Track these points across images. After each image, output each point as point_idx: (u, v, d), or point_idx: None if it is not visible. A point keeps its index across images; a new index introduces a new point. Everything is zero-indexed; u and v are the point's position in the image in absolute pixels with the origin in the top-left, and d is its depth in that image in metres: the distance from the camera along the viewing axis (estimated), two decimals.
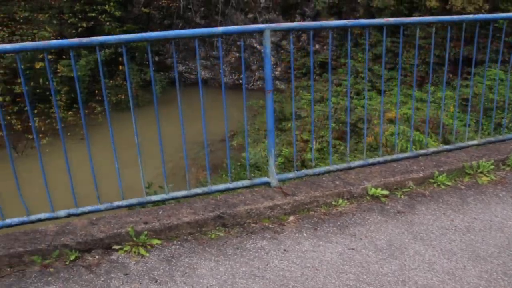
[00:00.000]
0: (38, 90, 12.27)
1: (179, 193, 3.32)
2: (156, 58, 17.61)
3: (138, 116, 12.83)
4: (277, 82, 16.55)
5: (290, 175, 3.56)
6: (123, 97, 13.62)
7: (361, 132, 10.13)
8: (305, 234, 2.99)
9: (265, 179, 3.46)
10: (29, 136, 11.13)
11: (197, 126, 12.85)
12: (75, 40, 2.87)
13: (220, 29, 3.01)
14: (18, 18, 12.40)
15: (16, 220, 2.96)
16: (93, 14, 13.85)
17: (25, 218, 2.97)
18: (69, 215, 3.05)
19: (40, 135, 11.32)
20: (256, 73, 16.88)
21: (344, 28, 13.79)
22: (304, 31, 15.26)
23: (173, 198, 3.28)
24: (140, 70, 15.39)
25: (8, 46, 2.74)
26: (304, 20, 15.15)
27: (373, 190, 3.39)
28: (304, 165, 9.19)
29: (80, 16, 14.13)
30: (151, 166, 10.27)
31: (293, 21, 15.30)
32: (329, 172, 3.64)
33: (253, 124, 12.28)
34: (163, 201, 3.30)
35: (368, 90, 11.86)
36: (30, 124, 10.72)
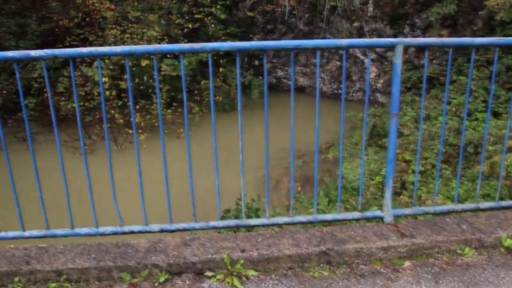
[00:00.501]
0: (141, 87, 12.73)
1: (280, 219, 3.01)
2: (256, 62, 17.65)
3: (234, 119, 12.79)
4: (377, 94, 15.83)
5: (407, 211, 3.11)
6: (220, 98, 13.71)
7: (471, 158, 9.23)
8: (424, 287, 2.54)
9: (377, 212, 3.05)
10: (129, 130, 11.54)
11: (293, 133, 12.49)
12: (187, 46, 2.67)
13: (344, 41, 2.66)
14: (130, 17, 12.96)
15: (109, 229, 2.84)
16: (200, 16, 14.12)
17: (118, 229, 2.84)
18: (162, 231, 2.87)
19: (139, 131, 11.70)
20: (357, 84, 16.27)
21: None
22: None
23: (273, 224, 2.98)
24: (241, 74, 15.46)
25: (118, 49, 2.61)
26: (413, 31, 14.30)
27: (509, 241, 2.84)
28: (404, 187, 8.53)
29: (187, 17, 14.48)
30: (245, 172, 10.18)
31: (402, 32, 14.51)
32: (453, 212, 3.14)
33: (350, 137, 11.74)
34: (262, 226, 3.01)
35: (481, 111, 10.84)
36: (131, 119, 11.08)
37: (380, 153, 10.13)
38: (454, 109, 11.00)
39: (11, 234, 2.84)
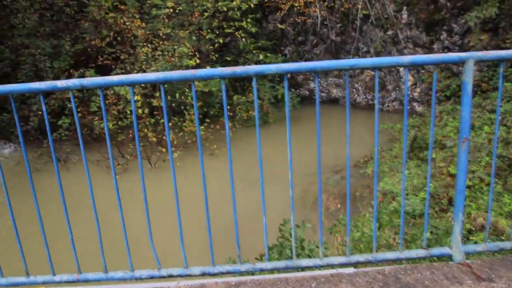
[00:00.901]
0: (173, 104, 12.62)
1: (335, 259, 2.68)
2: (288, 75, 17.35)
3: (267, 134, 12.39)
4: (414, 104, 15.28)
5: (480, 247, 2.72)
6: (253, 113, 13.47)
7: None
8: None
9: (445, 249, 2.68)
10: (162, 149, 11.40)
11: (327, 148, 12.08)
12: (228, 70, 2.41)
13: (406, 58, 2.34)
14: (161, 34, 12.91)
15: (145, 273, 2.58)
16: (230, 30, 13.98)
17: (155, 272, 2.57)
18: (203, 274, 2.58)
19: (172, 149, 11.56)
20: (392, 94, 15.77)
21: (498, 45, 12.03)
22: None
23: (328, 265, 2.65)
24: (272, 87, 15.20)
25: (152, 76, 2.38)
26: (451, 37, 13.75)
27: None
28: (451, 204, 8.03)
29: (217, 32, 14.37)
30: (279, 191, 9.83)
31: (439, 39, 13.99)
32: None
33: (389, 150, 11.26)
34: (315, 267, 2.69)
35: None
36: (164, 137, 10.89)
37: (421, 166, 9.64)
38: (500, 117, 10.41)
39: (40, 278, 2.61)
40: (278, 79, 17.13)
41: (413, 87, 15.23)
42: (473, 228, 7.22)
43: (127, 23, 12.35)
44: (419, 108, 15.15)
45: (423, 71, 14.76)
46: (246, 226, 8.64)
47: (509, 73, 12.33)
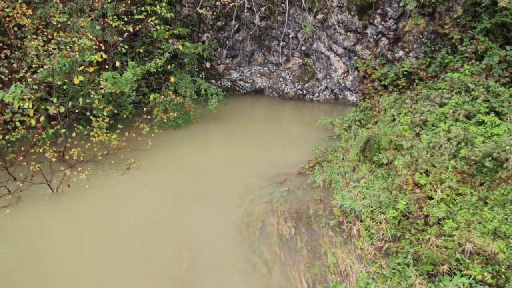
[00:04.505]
0: (76, 110, 10.33)
1: None
2: (207, 64, 15.54)
3: (190, 135, 10.33)
4: (347, 93, 14.23)
5: None
6: (175, 114, 11.55)
7: (492, 174, 7.72)
8: None
9: None
10: (66, 171, 9.19)
11: (263, 150, 10.44)
12: None
13: None
14: (55, 23, 10.43)
15: None
16: (141, 17, 11.81)
17: None
18: None
19: (79, 169, 9.35)
20: (323, 82, 14.59)
21: (436, 31, 11.20)
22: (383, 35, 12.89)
23: None
24: (192, 81, 13.30)
25: None
26: (385, 22, 12.75)
27: None
28: (427, 223, 6.87)
29: (125, 19, 12.13)
30: (215, 214, 8.14)
31: (372, 23, 12.93)
32: None
33: (334, 151, 9.98)
34: None
35: (484, 112, 9.42)
36: (65, 152, 8.54)
37: (376, 172, 8.45)
38: (451, 111, 9.52)
39: None
40: (198, 70, 15.26)
41: (345, 75, 14.15)
42: (464, 259, 6.08)
43: (6, 10, 9.70)
44: (352, 97, 14.14)
45: (356, 57, 13.70)
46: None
47: (449, 59, 11.57)
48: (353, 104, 14.00)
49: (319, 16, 13.60)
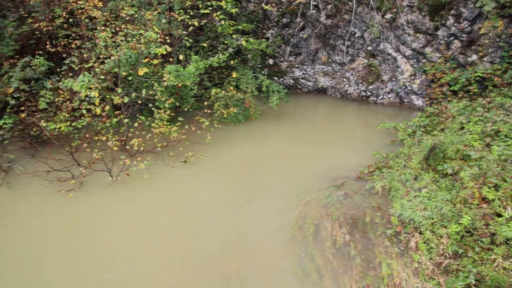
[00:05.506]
0: (139, 101, 10.58)
1: None
2: (270, 61, 15.46)
3: (250, 132, 10.24)
4: (413, 97, 13.66)
5: None
6: (235, 110, 11.56)
7: None
8: None
9: None
10: (126, 160, 9.42)
11: (320, 152, 10.17)
12: None
13: None
14: (124, 16, 10.73)
15: None
16: (207, 11, 11.90)
17: None
18: None
19: (139, 158, 9.57)
20: (388, 84, 14.09)
21: None
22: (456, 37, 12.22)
23: None
24: (254, 77, 13.27)
25: None
26: (459, 23, 12.08)
27: None
28: (494, 242, 6.41)
29: (191, 13, 12.27)
30: (271, 212, 8.04)
31: (444, 25, 12.29)
32: None
33: (395, 157, 9.58)
34: None
35: None
36: (127, 141, 8.80)
37: (439, 182, 8.00)
38: None
39: None
40: (260, 66, 15.22)
41: (412, 78, 13.59)
42: None
43: (80, 2, 10.09)
44: (418, 102, 13.56)
45: (424, 60, 13.10)
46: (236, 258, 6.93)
47: None
48: (418, 109, 13.43)
49: (388, 15, 13.12)
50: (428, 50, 12.92)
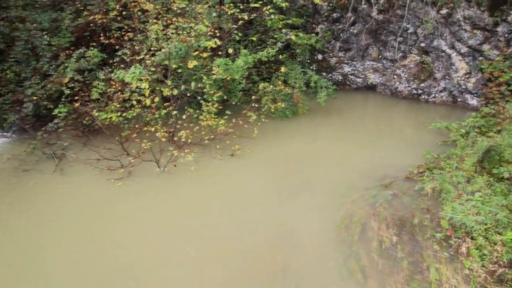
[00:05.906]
0: (188, 93, 10.70)
1: None
2: (319, 56, 15.26)
3: (297, 128, 10.11)
4: (467, 96, 13.12)
5: None
6: (282, 105, 11.50)
7: None
8: None
9: None
10: (174, 151, 9.56)
11: (372, 150, 9.92)
12: None
13: None
14: (175, 9, 10.87)
15: None
16: (257, 5, 11.86)
17: None
18: None
19: (186, 150, 9.69)
20: (441, 83, 13.60)
21: None
22: None
23: None
24: (303, 73, 13.14)
25: None
26: None
27: None
28: None
29: (241, 7, 12.27)
30: (317, 209, 7.94)
31: (505, 20, 11.72)
32: None
33: (447, 158, 9.24)
34: None
35: None
36: (174, 132, 8.91)
37: (494, 186, 7.64)
38: None
39: None
40: (309, 61, 15.06)
41: (467, 76, 13.05)
42: None
43: None
44: (472, 101, 13.01)
45: (481, 58, 12.55)
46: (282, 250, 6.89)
47: None
48: (473, 109, 12.88)
49: (443, 11, 12.64)
50: (485, 47, 12.37)
